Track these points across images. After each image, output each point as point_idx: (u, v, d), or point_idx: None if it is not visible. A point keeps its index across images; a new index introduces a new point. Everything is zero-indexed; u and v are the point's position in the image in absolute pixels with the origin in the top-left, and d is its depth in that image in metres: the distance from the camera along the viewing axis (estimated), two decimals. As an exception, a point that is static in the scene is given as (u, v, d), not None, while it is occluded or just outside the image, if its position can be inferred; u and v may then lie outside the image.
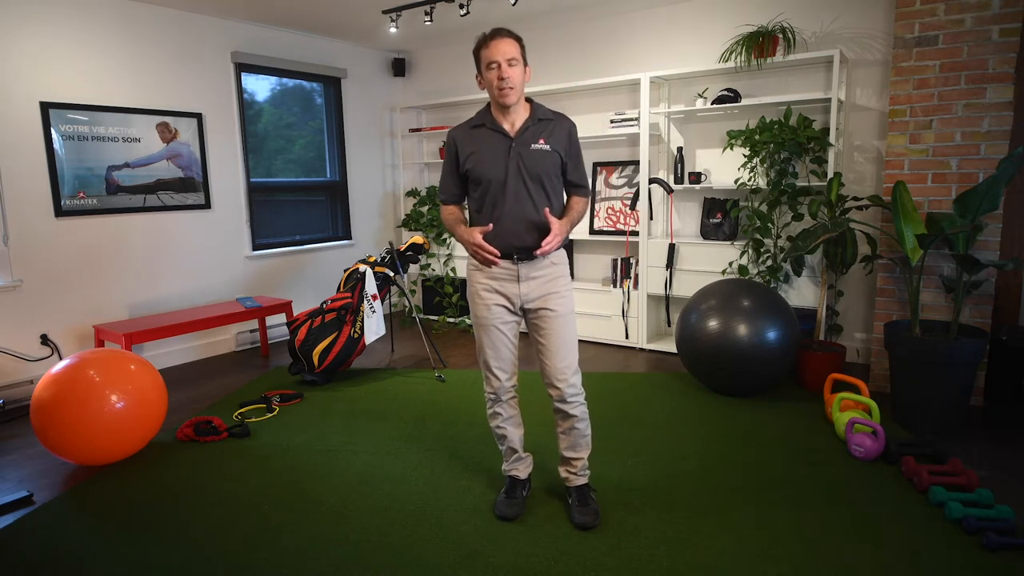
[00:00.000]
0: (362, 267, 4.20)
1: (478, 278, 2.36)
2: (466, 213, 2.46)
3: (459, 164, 2.34)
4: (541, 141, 2.27)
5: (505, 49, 2.19)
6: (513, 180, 2.25)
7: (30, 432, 3.45)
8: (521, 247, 2.28)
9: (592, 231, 5.12)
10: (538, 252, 2.22)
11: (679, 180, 4.60)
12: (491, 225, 2.25)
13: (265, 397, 3.75)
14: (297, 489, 2.70)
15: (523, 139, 2.26)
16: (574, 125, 2.37)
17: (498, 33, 2.21)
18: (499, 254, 2.25)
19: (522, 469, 2.51)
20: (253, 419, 3.51)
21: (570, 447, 2.42)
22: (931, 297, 3.55)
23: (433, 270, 5.85)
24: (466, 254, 5.50)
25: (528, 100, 2.34)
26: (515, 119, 2.28)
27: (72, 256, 4.13)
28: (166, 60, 4.52)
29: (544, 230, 2.27)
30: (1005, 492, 2.57)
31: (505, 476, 2.54)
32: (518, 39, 2.24)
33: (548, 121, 2.31)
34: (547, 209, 2.25)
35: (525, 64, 2.25)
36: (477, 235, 2.23)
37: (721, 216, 4.45)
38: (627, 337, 4.81)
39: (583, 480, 2.45)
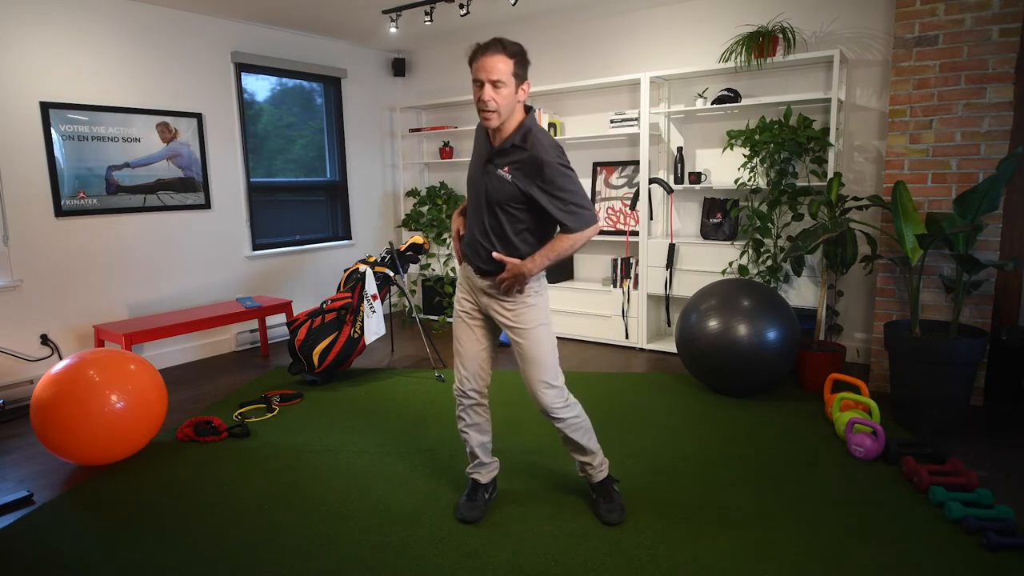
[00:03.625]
0: (362, 267, 4.20)
1: (460, 271, 2.40)
2: None
3: None
4: (505, 169, 2.10)
5: (492, 66, 1.99)
6: (478, 196, 2.21)
7: (30, 432, 3.45)
8: (476, 261, 2.26)
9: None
10: (499, 293, 2.23)
11: (679, 180, 4.60)
12: (462, 230, 2.35)
13: (265, 397, 3.75)
14: (297, 489, 2.70)
15: (496, 159, 2.14)
16: (549, 164, 2.04)
17: (490, 48, 2.01)
18: (460, 252, 2.35)
19: (484, 474, 2.48)
20: (253, 419, 3.51)
21: (574, 451, 2.41)
22: (931, 297, 3.55)
23: (433, 270, 5.85)
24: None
25: (528, 108, 2.15)
26: (503, 132, 2.12)
27: (72, 256, 4.13)
28: (166, 60, 4.52)
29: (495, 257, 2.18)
30: (1005, 492, 2.57)
31: (468, 478, 2.53)
32: (513, 54, 2.02)
33: (520, 150, 2.08)
34: (494, 253, 2.16)
35: (523, 79, 2.05)
36: (455, 227, 2.36)
37: (721, 216, 4.45)
38: (627, 337, 4.81)
39: (603, 475, 2.43)
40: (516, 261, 2.16)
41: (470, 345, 2.35)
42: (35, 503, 2.66)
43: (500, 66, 2.00)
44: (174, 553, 2.26)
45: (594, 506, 2.45)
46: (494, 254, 2.17)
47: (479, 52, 2.04)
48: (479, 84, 2.04)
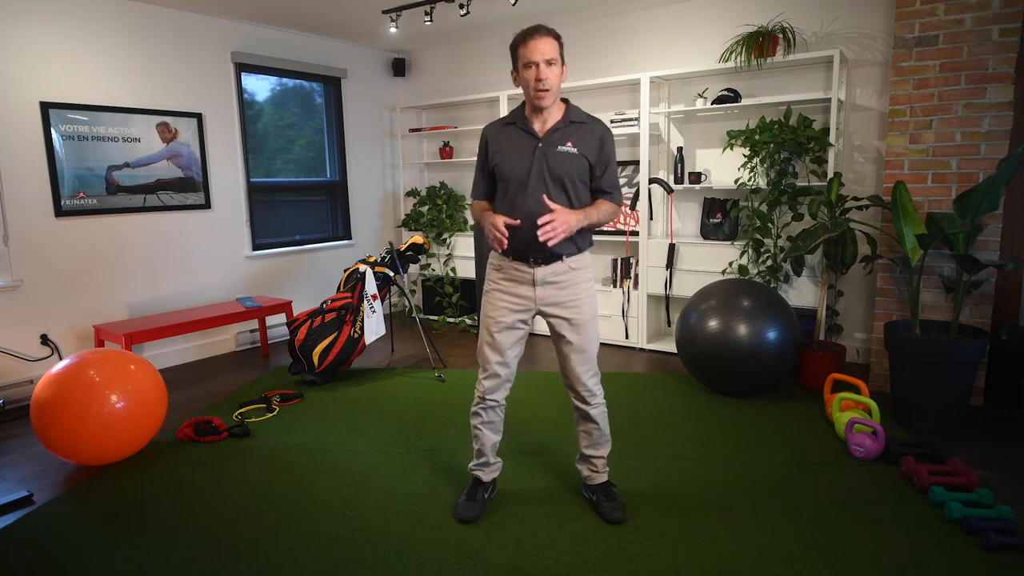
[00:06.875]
0: (362, 267, 4.20)
1: (494, 276, 2.34)
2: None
3: (488, 160, 2.32)
4: (569, 144, 2.23)
5: (544, 48, 2.12)
6: (535, 181, 2.21)
7: (30, 432, 3.45)
8: (538, 249, 2.23)
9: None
10: (541, 237, 2.09)
11: (679, 180, 4.60)
12: (519, 221, 2.20)
13: (265, 397, 3.75)
14: (297, 489, 2.70)
15: (551, 140, 2.23)
16: (608, 131, 2.29)
17: (537, 31, 2.14)
18: (507, 235, 2.18)
19: (487, 472, 2.50)
20: (253, 419, 3.51)
21: (591, 445, 2.45)
22: (931, 297, 3.55)
23: (433, 270, 5.84)
24: (467, 254, 5.56)
25: (564, 100, 2.30)
26: (547, 119, 2.25)
27: (72, 256, 4.13)
28: (166, 60, 4.52)
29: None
30: (1005, 492, 2.57)
31: (469, 474, 2.54)
32: (557, 37, 2.18)
33: (580, 124, 2.27)
34: (544, 195, 2.17)
35: (563, 63, 2.20)
36: (500, 220, 2.17)
37: (721, 216, 4.45)
38: (627, 337, 4.81)
39: (605, 477, 2.49)
40: (563, 208, 2.17)
41: (505, 355, 2.34)
42: (35, 503, 2.66)
43: (550, 47, 2.15)
44: (174, 553, 2.26)
45: (596, 506, 2.45)
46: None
47: (527, 37, 2.15)
48: (532, 66, 2.14)
